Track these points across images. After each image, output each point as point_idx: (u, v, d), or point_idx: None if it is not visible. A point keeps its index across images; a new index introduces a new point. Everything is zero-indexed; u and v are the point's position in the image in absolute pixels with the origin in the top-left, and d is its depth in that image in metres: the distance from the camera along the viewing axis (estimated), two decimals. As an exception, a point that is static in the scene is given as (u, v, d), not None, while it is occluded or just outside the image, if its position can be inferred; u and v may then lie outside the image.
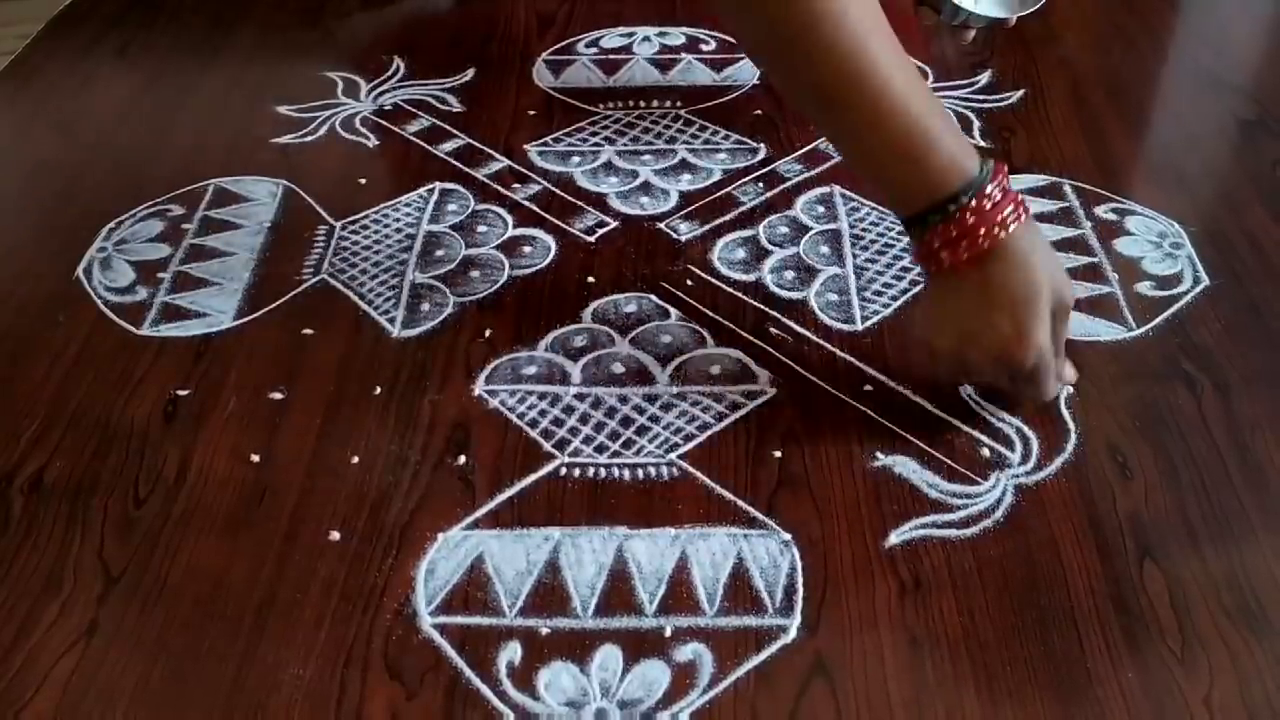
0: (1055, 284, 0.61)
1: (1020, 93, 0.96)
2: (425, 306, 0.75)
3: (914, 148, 0.60)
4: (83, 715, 0.52)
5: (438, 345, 0.72)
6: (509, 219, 0.83)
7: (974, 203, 0.59)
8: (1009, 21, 0.84)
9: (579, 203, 0.84)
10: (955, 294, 0.61)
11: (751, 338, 0.72)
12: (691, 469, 0.64)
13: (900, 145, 0.60)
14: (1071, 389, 0.68)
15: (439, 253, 0.80)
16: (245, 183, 0.87)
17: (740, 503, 0.62)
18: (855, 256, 0.78)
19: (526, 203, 0.84)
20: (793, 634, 0.55)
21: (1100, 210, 0.82)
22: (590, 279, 0.77)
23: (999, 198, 0.60)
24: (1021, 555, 0.59)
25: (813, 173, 0.86)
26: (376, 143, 0.92)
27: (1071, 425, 0.66)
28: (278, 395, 0.69)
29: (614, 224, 0.82)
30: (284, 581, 0.58)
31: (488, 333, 0.73)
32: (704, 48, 1.03)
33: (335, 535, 0.60)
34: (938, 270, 0.61)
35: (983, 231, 0.59)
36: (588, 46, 1.04)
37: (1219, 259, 0.78)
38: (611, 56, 1.03)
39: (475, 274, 0.78)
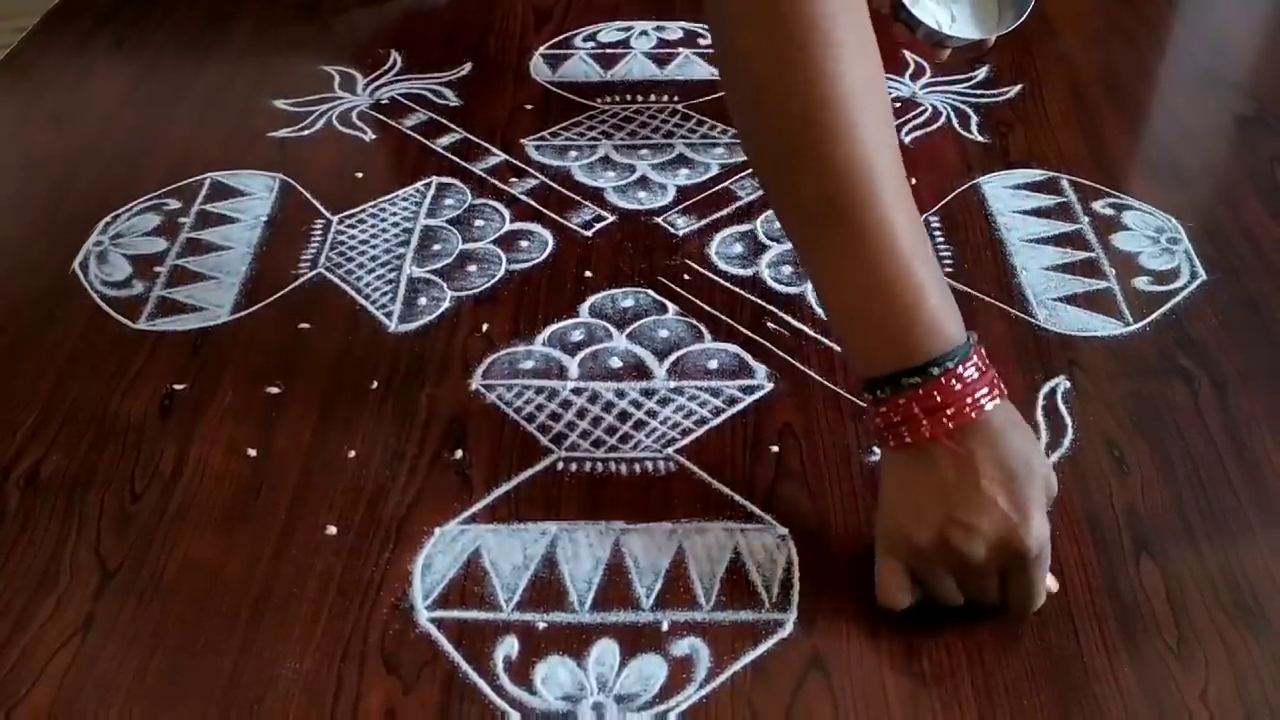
0: (1045, 467, 0.54)
1: (1018, 87, 0.96)
2: (422, 301, 0.75)
3: (906, 295, 0.52)
4: (79, 710, 0.52)
5: (434, 340, 0.72)
6: (506, 213, 0.83)
7: (961, 368, 0.52)
8: (986, 43, 0.84)
9: (576, 197, 0.84)
10: (932, 470, 0.52)
11: (749, 332, 0.72)
12: (688, 463, 0.64)
13: (892, 288, 0.52)
14: (1069, 384, 0.68)
15: (436, 247, 0.80)
16: (242, 177, 0.87)
17: (737, 497, 0.62)
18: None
19: (524, 197, 0.84)
20: (789, 629, 0.55)
21: (1098, 205, 0.82)
22: (587, 274, 0.77)
23: (984, 368, 0.53)
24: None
25: (810, 167, 0.86)
26: (373, 137, 0.92)
27: (1068, 421, 0.66)
28: (274, 390, 0.69)
29: (611, 218, 0.82)
30: (281, 576, 0.58)
31: (485, 327, 0.73)
32: (701, 42, 1.03)
33: (332, 530, 0.60)
34: (910, 442, 0.53)
35: (970, 400, 0.52)
36: (585, 41, 1.04)
37: (1216, 254, 0.78)
38: (609, 51, 1.03)
39: (472, 268, 0.78)
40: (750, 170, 0.86)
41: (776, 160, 0.55)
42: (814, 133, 0.52)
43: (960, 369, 0.52)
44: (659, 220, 0.82)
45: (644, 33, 1.05)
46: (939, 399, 0.52)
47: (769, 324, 0.73)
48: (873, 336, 0.54)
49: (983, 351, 0.54)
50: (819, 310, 0.73)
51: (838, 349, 0.70)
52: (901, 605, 0.54)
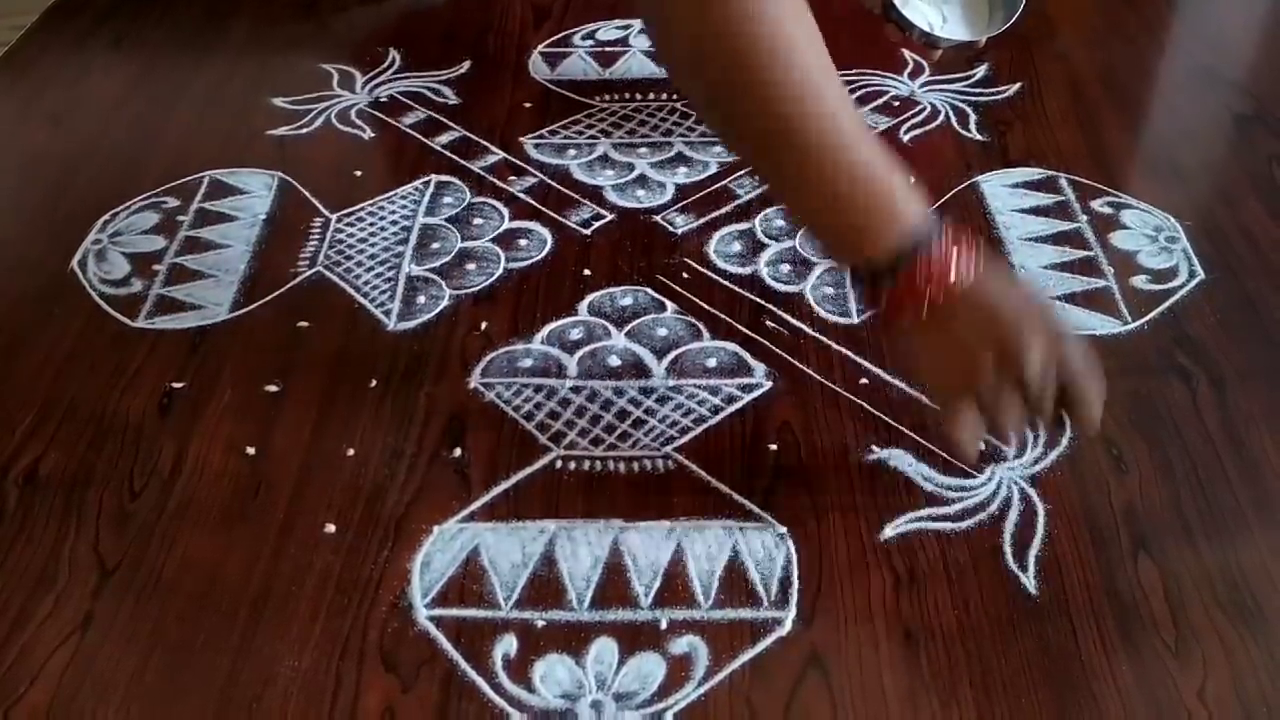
0: (1044, 301, 0.58)
1: (1017, 86, 0.96)
2: (421, 299, 0.75)
3: (874, 189, 0.56)
4: (77, 708, 0.52)
5: (433, 338, 0.72)
6: (505, 212, 0.83)
7: (944, 237, 0.55)
8: (977, 43, 0.84)
9: (575, 195, 0.84)
10: (959, 321, 0.56)
11: (747, 331, 0.72)
12: (687, 462, 0.64)
13: (857, 189, 0.56)
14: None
15: (435, 245, 0.80)
16: (240, 175, 0.87)
17: (736, 496, 0.62)
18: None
19: (522, 195, 0.84)
20: (788, 626, 0.55)
21: (1096, 204, 0.82)
22: (586, 272, 0.77)
23: (963, 233, 0.56)
24: (1016, 549, 0.59)
25: (809, 166, 0.86)
26: (372, 135, 0.91)
27: (1067, 419, 0.65)
28: (273, 388, 0.69)
29: (610, 217, 0.82)
30: (279, 574, 0.58)
31: (483, 326, 0.73)
32: (700, 40, 1.03)
33: (331, 528, 0.60)
34: (925, 309, 0.56)
35: (966, 255, 0.56)
36: (583, 39, 1.04)
37: (1214, 253, 0.78)
38: (607, 49, 1.02)
39: (471, 267, 0.78)
40: (748, 170, 0.86)
41: (714, 101, 0.57)
42: (745, 72, 0.54)
43: (946, 235, 0.56)
44: (658, 218, 0.82)
45: (642, 31, 1.05)
46: (933, 270, 0.55)
47: (768, 322, 0.73)
48: (848, 238, 0.57)
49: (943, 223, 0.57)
50: (817, 309, 0.73)
51: (836, 347, 0.70)
52: (977, 447, 0.58)
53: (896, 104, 0.94)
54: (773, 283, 0.76)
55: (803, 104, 0.54)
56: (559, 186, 0.85)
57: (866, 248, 0.56)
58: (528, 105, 0.95)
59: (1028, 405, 0.56)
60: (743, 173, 0.86)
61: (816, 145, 0.55)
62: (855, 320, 0.73)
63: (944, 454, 0.63)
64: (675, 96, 0.95)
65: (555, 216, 0.82)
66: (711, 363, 0.70)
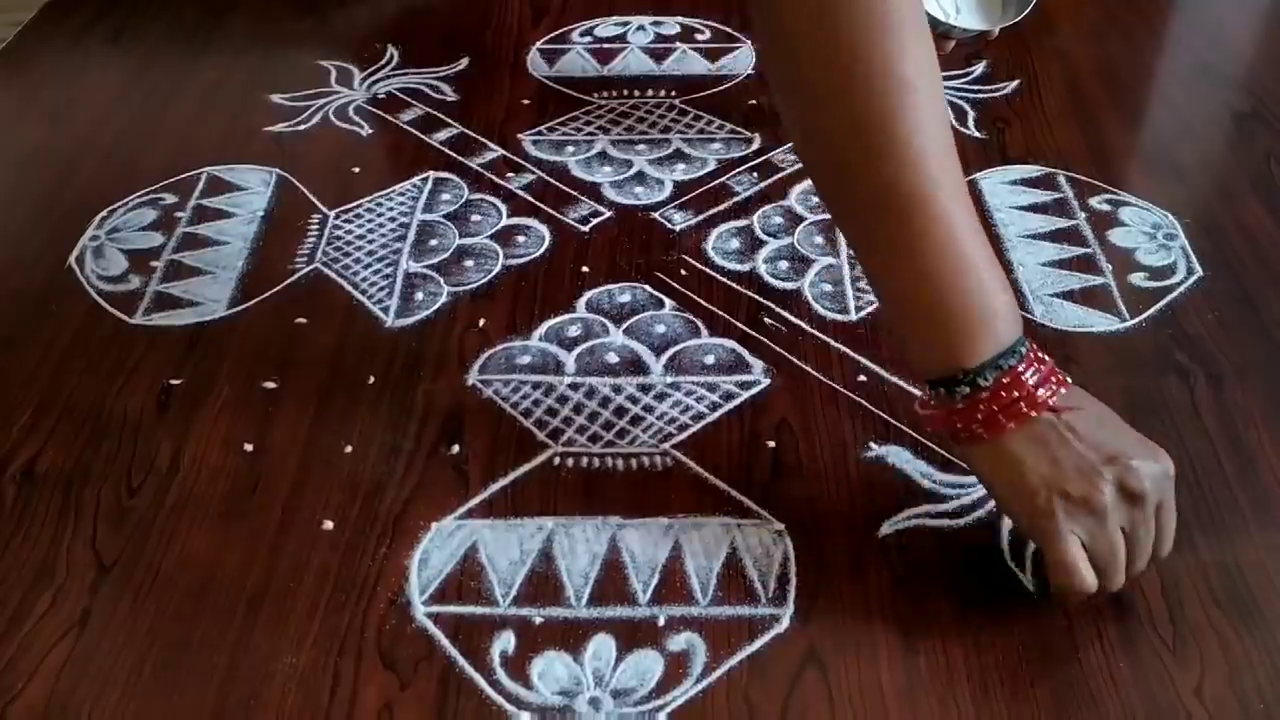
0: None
1: (1015, 83, 0.96)
2: (419, 296, 0.75)
3: (971, 292, 0.52)
4: (75, 705, 0.52)
5: (431, 335, 0.72)
6: (503, 208, 0.83)
7: (1032, 354, 0.53)
8: (991, 34, 0.84)
9: (573, 192, 0.84)
10: (1063, 437, 0.52)
11: (745, 328, 0.72)
12: (685, 459, 0.64)
13: (956, 285, 0.52)
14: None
15: (433, 242, 0.80)
16: (238, 171, 0.87)
17: (734, 492, 0.62)
18: (850, 247, 0.78)
19: (520, 192, 0.84)
20: (786, 624, 0.55)
21: (1094, 201, 0.82)
22: (584, 269, 0.77)
23: (1044, 355, 0.54)
24: (1014, 546, 0.59)
25: (807, 163, 0.86)
26: (370, 131, 0.91)
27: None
28: (271, 384, 0.69)
29: (608, 214, 0.82)
30: (277, 571, 0.58)
31: (481, 322, 0.73)
32: (699, 37, 1.03)
33: (329, 525, 0.60)
34: (1015, 427, 0.52)
35: (1055, 382, 0.53)
36: (582, 35, 1.04)
37: (1212, 250, 0.78)
38: (606, 46, 1.02)
39: (469, 263, 0.78)
40: (746, 165, 0.86)
41: (834, 152, 0.54)
42: (874, 121, 0.51)
43: (1033, 353, 0.53)
44: (656, 215, 0.82)
45: (641, 28, 1.05)
46: (1020, 392, 0.52)
47: (766, 319, 0.73)
48: (942, 337, 0.53)
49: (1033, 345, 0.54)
50: (815, 306, 0.73)
51: (834, 344, 0.70)
52: (1093, 586, 0.52)
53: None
54: (771, 280, 0.76)
55: (923, 174, 0.51)
56: (557, 183, 0.85)
57: (961, 355, 0.52)
58: (526, 102, 0.95)
59: (1132, 531, 0.53)
60: (741, 170, 0.86)
61: (930, 232, 0.52)
62: (853, 317, 0.73)
63: (943, 452, 0.63)
64: (673, 94, 0.95)
65: (553, 213, 0.82)
66: (710, 360, 0.70)
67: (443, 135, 0.91)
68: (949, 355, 0.53)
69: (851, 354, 0.70)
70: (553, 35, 1.04)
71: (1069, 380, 0.54)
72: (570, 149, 0.89)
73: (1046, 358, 0.54)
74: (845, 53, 0.51)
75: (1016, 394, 0.52)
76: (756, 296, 0.74)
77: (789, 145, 0.88)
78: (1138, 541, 0.53)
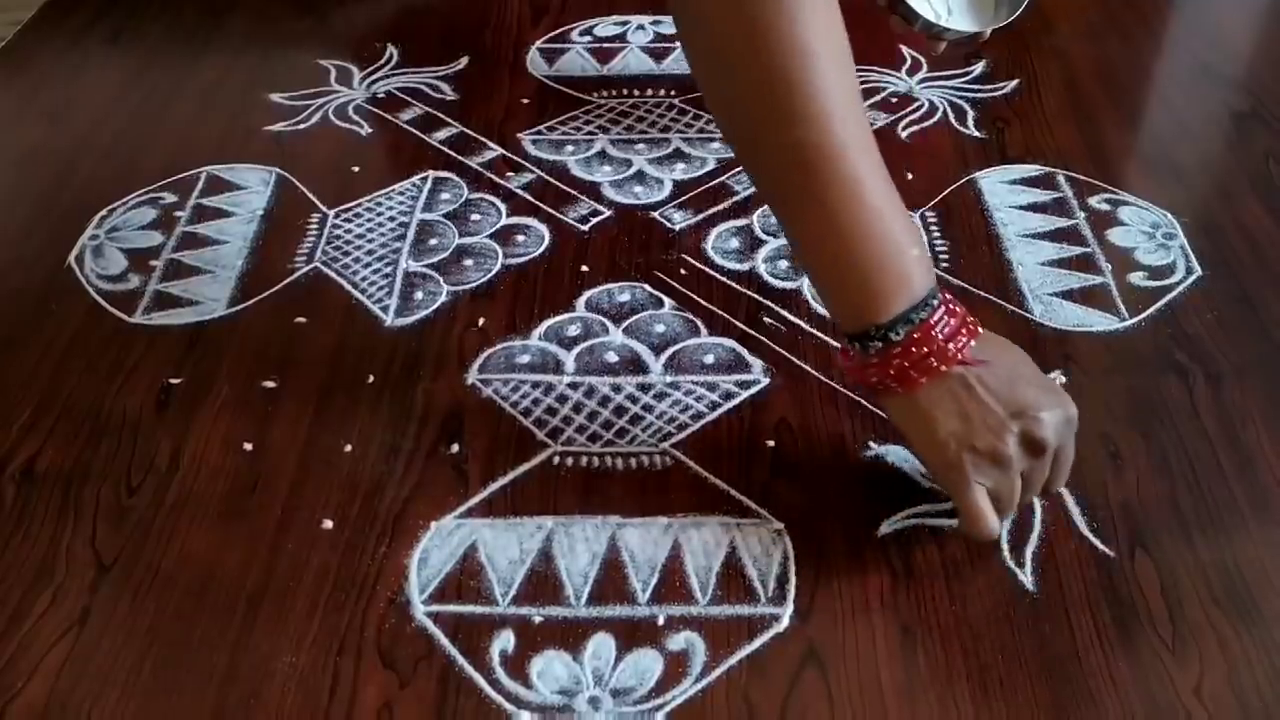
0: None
1: (1015, 83, 0.96)
2: (418, 295, 0.75)
3: (882, 248, 0.54)
4: (75, 704, 0.52)
5: (431, 334, 0.72)
6: (502, 208, 0.83)
7: (945, 306, 0.55)
8: (982, 35, 0.84)
9: (573, 191, 0.84)
10: (971, 390, 0.54)
11: (745, 327, 0.72)
12: (684, 458, 0.64)
13: (866, 243, 0.54)
14: (1064, 379, 0.68)
15: (432, 241, 0.80)
16: (238, 170, 0.87)
17: (733, 492, 0.62)
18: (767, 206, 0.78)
19: (520, 191, 0.84)
20: (785, 623, 0.55)
21: (1093, 201, 0.83)
22: (584, 268, 0.77)
23: (956, 305, 0.56)
24: (1013, 545, 0.59)
25: (807, 162, 0.86)
26: (370, 131, 0.91)
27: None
28: (270, 384, 0.69)
29: (608, 213, 0.82)
30: (277, 570, 0.58)
31: (481, 322, 0.73)
32: (698, 37, 1.03)
33: (328, 524, 0.60)
34: (926, 381, 0.54)
35: (966, 332, 0.55)
36: (582, 35, 1.04)
37: (1211, 250, 0.78)
38: (605, 45, 1.02)
39: (469, 263, 0.78)
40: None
41: (743, 116, 0.56)
42: (780, 87, 0.53)
43: (946, 308, 0.55)
44: (655, 215, 0.82)
45: (640, 27, 1.05)
46: (934, 345, 0.54)
47: (765, 319, 0.73)
48: (854, 291, 0.55)
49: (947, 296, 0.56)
50: (815, 305, 0.73)
51: (834, 344, 0.70)
52: (998, 532, 0.56)
53: (894, 100, 0.94)
54: (770, 279, 0.76)
55: (828, 134, 0.53)
56: (557, 183, 0.85)
57: (872, 310, 0.54)
58: (525, 101, 0.95)
59: (1030, 474, 0.56)
60: (740, 169, 0.86)
61: (836, 186, 0.53)
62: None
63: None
64: (673, 93, 0.95)
65: (553, 213, 0.82)
66: (709, 359, 0.70)
67: (442, 134, 0.91)
68: (861, 310, 0.55)
69: (851, 353, 0.70)
70: (552, 35, 1.04)
71: (980, 329, 0.56)
72: (570, 148, 0.89)
73: (958, 307, 0.56)
74: (748, 24, 0.53)
75: (926, 349, 0.54)
76: (756, 296, 0.75)
77: (753, 187, 0.87)
78: (1033, 484, 0.57)
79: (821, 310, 0.73)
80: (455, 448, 0.64)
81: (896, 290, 0.54)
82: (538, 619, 0.56)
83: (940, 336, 0.54)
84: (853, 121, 0.54)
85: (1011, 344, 0.57)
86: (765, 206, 0.82)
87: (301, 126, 0.92)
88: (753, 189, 0.84)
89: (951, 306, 0.55)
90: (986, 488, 0.55)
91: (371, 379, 0.69)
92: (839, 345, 0.60)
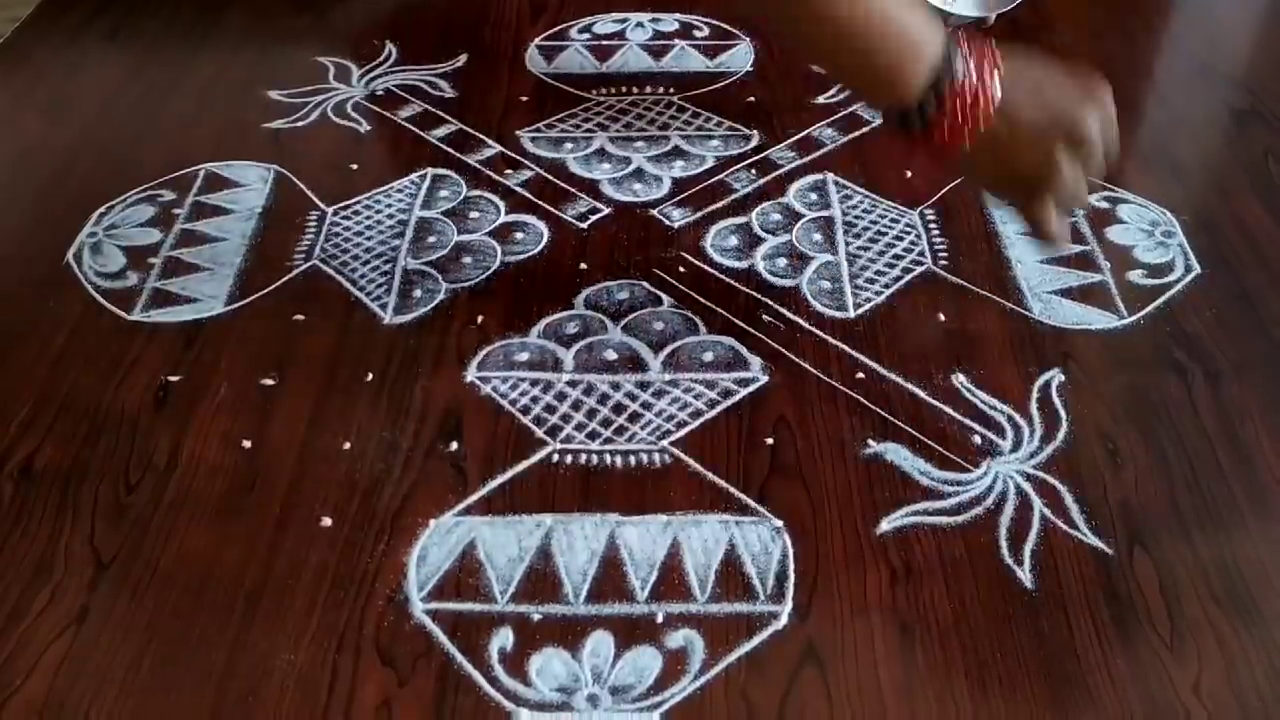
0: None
1: (1013, 81, 0.96)
2: (417, 293, 0.75)
3: (896, 30, 0.58)
4: (74, 701, 0.52)
5: (429, 332, 0.72)
6: (501, 205, 0.83)
7: (961, 47, 0.58)
8: (987, 20, 0.84)
9: (571, 189, 0.84)
10: (1008, 132, 0.59)
11: (744, 325, 0.72)
12: (684, 456, 0.64)
13: (887, 31, 0.58)
14: (1063, 377, 0.68)
15: (431, 239, 0.79)
16: (236, 168, 0.87)
17: (732, 489, 0.62)
18: (848, 244, 0.78)
19: (519, 189, 0.84)
20: (784, 621, 0.55)
21: (1092, 199, 0.82)
22: (583, 265, 0.77)
23: (976, 39, 0.59)
24: (1012, 543, 0.59)
25: (806, 160, 0.86)
26: (368, 128, 0.91)
27: (1062, 413, 0.66)
28: (269, 381, 0.68)
29: (606, 210, 0.82)
30: (275, 568, 0.58)
31: (480, 319, 0.73)
32: (697, 34, 1.03)
33: (327, 521, 0.60)
34: (975, 129, 0.59)
35: (987, 61, 0.58)
36: (580, 32, 1.04)
37: (1210, 248, 0.78)
38: (604, 42, 1.02)
39: (467, 260, 0.78)
40: (744, 161, 0.86)
41: None
42: None
43: (961, 49, 0.58)
44: (654, 212, 0.82)
45: (639, 24, 1.05)
46: (973, 87, 0.58)
47: (764, 316, 0.73)
48: (873, 78, 0.59)
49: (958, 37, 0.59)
50: (814, 303, 0.73)
51: (832, 341, 0.70)
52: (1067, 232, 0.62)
53: (893, 98, 0.93)
54: (769, 277, 0.76)
55: None
56: (555, 180, 0.85)
57: (899, 90, 0.58)
58: (524, 99, 0.95)
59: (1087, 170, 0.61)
60: (739, 167, 0.86)
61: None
62: (851, 314, 0.73)
63: (940, 449, 0.63)
64: (672, 91, 0.95)
65: (552, 210, 0.82)
66: (708, 357, 0.70)
67: (441, 132, 0.91)
68: (892, 94, 0.59)
69: (850, 351, 0.70)
70: (551, 32, 1.04)
71: (998, 53, 0.59)
72: (569, 146, 0.89)
73: (967, 40, 0.59)
74: None
75: (967, 99, 0.58)
76: (755, 293, 0.74)
77: (787, 142, 0.88)
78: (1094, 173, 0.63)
79: (821, 308, 0.73)
80: (454, 445, 0.64)
81: (915, 61, 0.58)
82: (536, 616, 0.56)
83: (969, 88, 0.58)
84: None
85: (1026, 55, 0.61)
86: (764, 205, 0.82)
87: (300, 124, 0.92)
88: (752, 187, 0.83)
89: (965, 42, 0.58)
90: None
91: (370, 376, 0.69)
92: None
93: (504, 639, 0.55)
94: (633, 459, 0.64)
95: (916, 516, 0.60)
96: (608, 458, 0.64)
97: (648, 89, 0.95)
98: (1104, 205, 0.82)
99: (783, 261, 0.77)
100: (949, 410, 0.66)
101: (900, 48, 0.58)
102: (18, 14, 1.08)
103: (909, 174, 0.84)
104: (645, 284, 0.75)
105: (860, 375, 0.68)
